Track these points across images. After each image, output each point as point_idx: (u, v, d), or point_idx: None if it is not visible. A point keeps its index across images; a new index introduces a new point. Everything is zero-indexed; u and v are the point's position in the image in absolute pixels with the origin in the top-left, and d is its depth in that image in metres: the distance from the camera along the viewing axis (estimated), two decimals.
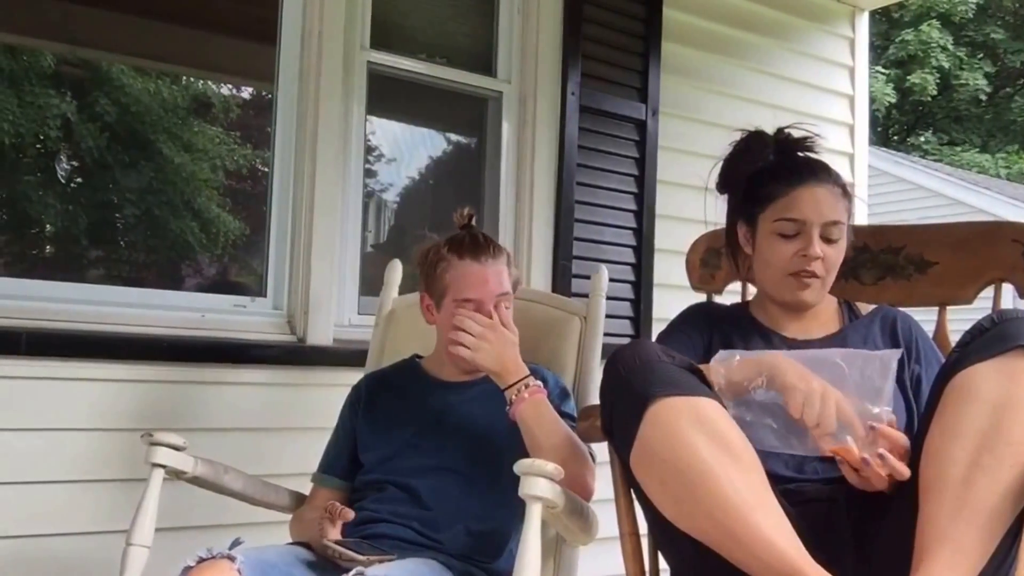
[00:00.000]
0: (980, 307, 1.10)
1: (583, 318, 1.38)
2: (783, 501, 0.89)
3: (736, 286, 1.37)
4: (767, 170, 1.14)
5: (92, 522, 1.51)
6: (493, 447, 1.19)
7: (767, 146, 1.15)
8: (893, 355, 0.93)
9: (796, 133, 1.16)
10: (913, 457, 0.90)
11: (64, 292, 1.64)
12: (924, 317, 1.20)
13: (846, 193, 1.13)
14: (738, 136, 1.18)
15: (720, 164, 1.19)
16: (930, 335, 1.21)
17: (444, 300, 1.22)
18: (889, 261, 1.26)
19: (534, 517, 0.91)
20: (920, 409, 1.05)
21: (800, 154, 1.15)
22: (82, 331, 1.58)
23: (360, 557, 1.02)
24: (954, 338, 1.20)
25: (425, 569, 1.05)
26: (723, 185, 1.19)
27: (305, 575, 1.06)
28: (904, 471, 0.89)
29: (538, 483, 0.91)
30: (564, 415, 1.20)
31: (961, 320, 1.10)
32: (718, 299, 1.35)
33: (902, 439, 0.92)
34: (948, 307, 1.23)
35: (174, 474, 1.14)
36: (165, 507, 1.13)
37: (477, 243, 1.19)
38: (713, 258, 1.36)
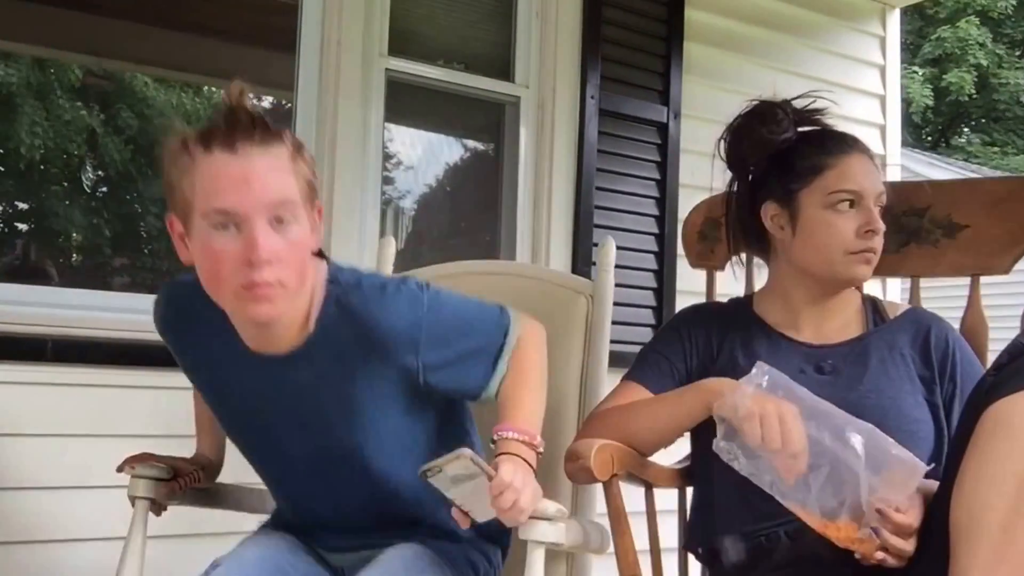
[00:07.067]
0: (1018, 280, 0.97)
1: (589, 296, 1.19)
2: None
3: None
4: (804, 141, 1.04)
5: (115, 528, 1.51)
6: (351, 414, 0.92)
7: (785, 116, 1.05)
8: (920, 469, 0.83)
9: (803, 103, 1.06)
10: (942, 493, 0.83)
11: (89, 300, 1.67)
12: (954, 293, 1.09)
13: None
14: (744, 109, 1.07)
15: (728, 138, 1.08)
16: (961, 309, 1.09)
17: (192, 219, 0.82)
18: (912, 224, 1.11)
19: (536, 563, 0.86)
20: (951, 431, 0.97)
21: (825, 124, 1.06)
22: (107, 338, 1.60)
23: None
24: (988, 313, 1.10)
25: (414, 562, 0.91)
26: (739, 160, 1.07)
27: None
28: (905, 550, 0.82)
29: (538, 527, 0.85)
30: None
31: (995, 300, 0.97)
32: (720, 276, 1.25)
33: (911, 524, 0.83)
34: (981, 278, 1.09)
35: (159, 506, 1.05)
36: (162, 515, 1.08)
37: (234, 124, 0.79)
38: (712, 230, 1.22)
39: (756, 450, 0.86)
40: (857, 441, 0.83)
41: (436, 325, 0.90)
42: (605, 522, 1.04)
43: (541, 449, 0.89)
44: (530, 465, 0.87)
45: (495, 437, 0.89)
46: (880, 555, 0.83)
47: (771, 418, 0.85)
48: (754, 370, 0.89)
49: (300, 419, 0.93)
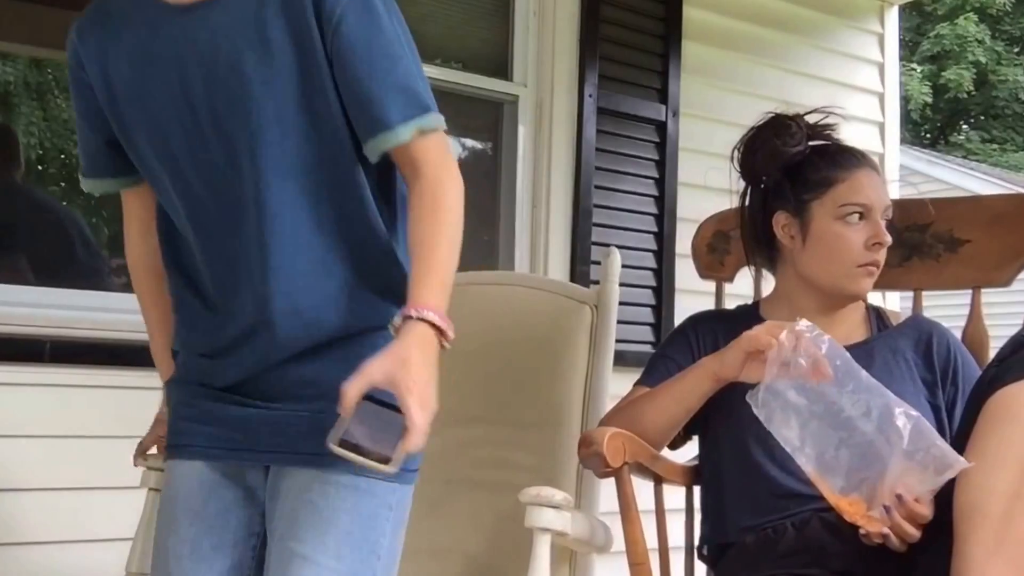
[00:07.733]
0: (1018, 290, 1.01)
1: (594, 307, 1.21)
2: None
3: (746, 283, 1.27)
4: (816, 154, 1.08)
5: (116, 529, 1.51)
6: (269, 69, 0.80)
7: (799, 129, 1.09)
8: (958, 467, 0.82)
9: (816, 118, 1.10)
10: (948, 484, 0.84)
11: (88, 300, 1.66)
12: (955, 304, 1.12)
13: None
14: (759, 122, 1.11)
15: (742, 149, 1.12)
16: (963, 321, 1.13)
17: None
18: (915, 239, 1.17)
19: (542, 550, 0.86)
20: (953, 431, 0.99)
21: (836, 138, 1.10)
22: (105, 339, 1.60)
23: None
24: (989, 324, 1.14)
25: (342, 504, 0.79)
26: (752, 171, 1.11)
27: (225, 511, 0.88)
28: (911, 534, 0.84)
29: (543, 514, 0.86)
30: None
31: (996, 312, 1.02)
32: (729, 287, 1.29)
33: (925, 515, 0.85)
34: (982, 290, 1.14)
35: None
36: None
37: None
38: (721, 243, 1.27)
39: (781, 372, 0.89)
40: (903, 423, 0.85)
41: None
42: (608, 521, 1.05)
43: (451, 334, 0.76)
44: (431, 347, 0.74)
45: (402, 317, 0.75)
46: (886, 531, 0.84)
47: (774, 327, 0.91)
48: (802, 324, 0.92)
49: (221, 93, 0.82)
